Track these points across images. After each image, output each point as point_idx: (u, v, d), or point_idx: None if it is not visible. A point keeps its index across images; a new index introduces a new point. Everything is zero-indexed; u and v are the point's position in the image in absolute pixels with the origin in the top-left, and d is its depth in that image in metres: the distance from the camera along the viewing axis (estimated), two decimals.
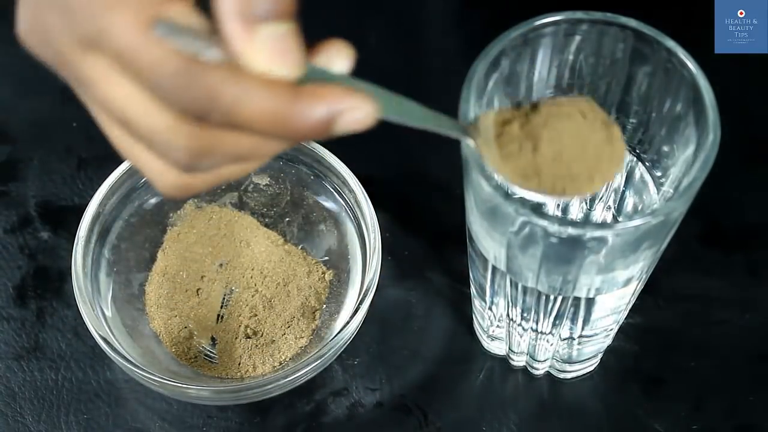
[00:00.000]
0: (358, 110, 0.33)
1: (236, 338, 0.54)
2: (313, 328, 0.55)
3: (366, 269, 0.54)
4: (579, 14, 0.42)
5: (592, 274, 0.42)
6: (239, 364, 0.53)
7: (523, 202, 0.40)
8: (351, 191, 0.55)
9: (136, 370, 0.50)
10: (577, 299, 0.45)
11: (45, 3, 0.34)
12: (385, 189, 0.56)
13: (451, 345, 0.55)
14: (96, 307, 0.52)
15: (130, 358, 0.50)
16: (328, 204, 0.57)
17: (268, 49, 0.32)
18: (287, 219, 0.58)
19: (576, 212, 0.50)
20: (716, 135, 0.39)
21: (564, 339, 0.49)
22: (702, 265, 0.57)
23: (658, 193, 0.45)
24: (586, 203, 0.49)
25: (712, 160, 0.38)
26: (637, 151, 0.45)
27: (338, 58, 0.34)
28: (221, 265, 0.56)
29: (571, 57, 0.43)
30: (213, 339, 0.54)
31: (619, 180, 0.47)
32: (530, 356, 0.53)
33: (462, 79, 0.40)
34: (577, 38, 0.43)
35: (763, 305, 0.55)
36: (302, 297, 0.55)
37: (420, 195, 0.60)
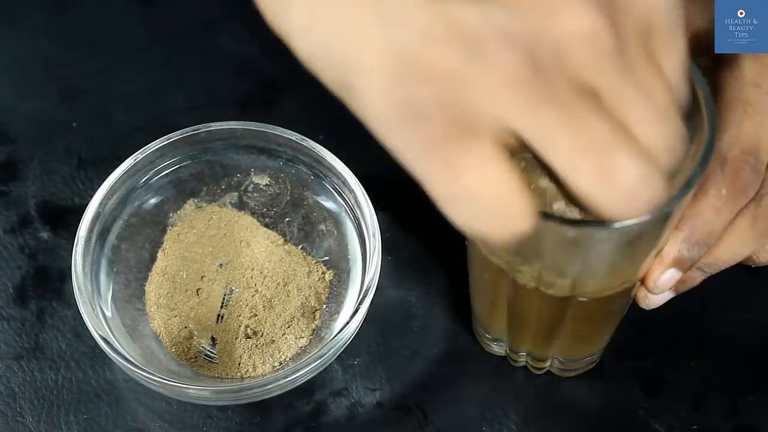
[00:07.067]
0: None
1: (236, 338, 0.54)
2: (313, 328, 0.55)
3: (366, 269, 0.54)
4: None
5: (591, 272, 0.42)
6: (239, 364, 0.53)
7: None
8: (351, 191, 0.55)
9: (136, 370, 0.50)
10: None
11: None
12: (385, 189, 0.56)
13: (451, 345, 0.55)
14: (96, 307, 0.52)
15: (130, 358, 0.50)
16: (328, 204, 0.57)
17: None
18: (287, 219, 0.58)
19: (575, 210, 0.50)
20: (713, 132, 0.39)
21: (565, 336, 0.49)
22: None
23: None
24: None
25: (710, 157, 0.38)
26: None
27: None
28: (221, 265, 0.56)
29: None
30: (213, 339, 0.54)
31: None
32: (531, 356, 0.53)
33: None
34: None
35: (762, 305, 0.55)
36: (302, 297, 0.55)
37: (420, 195, 0.59)
